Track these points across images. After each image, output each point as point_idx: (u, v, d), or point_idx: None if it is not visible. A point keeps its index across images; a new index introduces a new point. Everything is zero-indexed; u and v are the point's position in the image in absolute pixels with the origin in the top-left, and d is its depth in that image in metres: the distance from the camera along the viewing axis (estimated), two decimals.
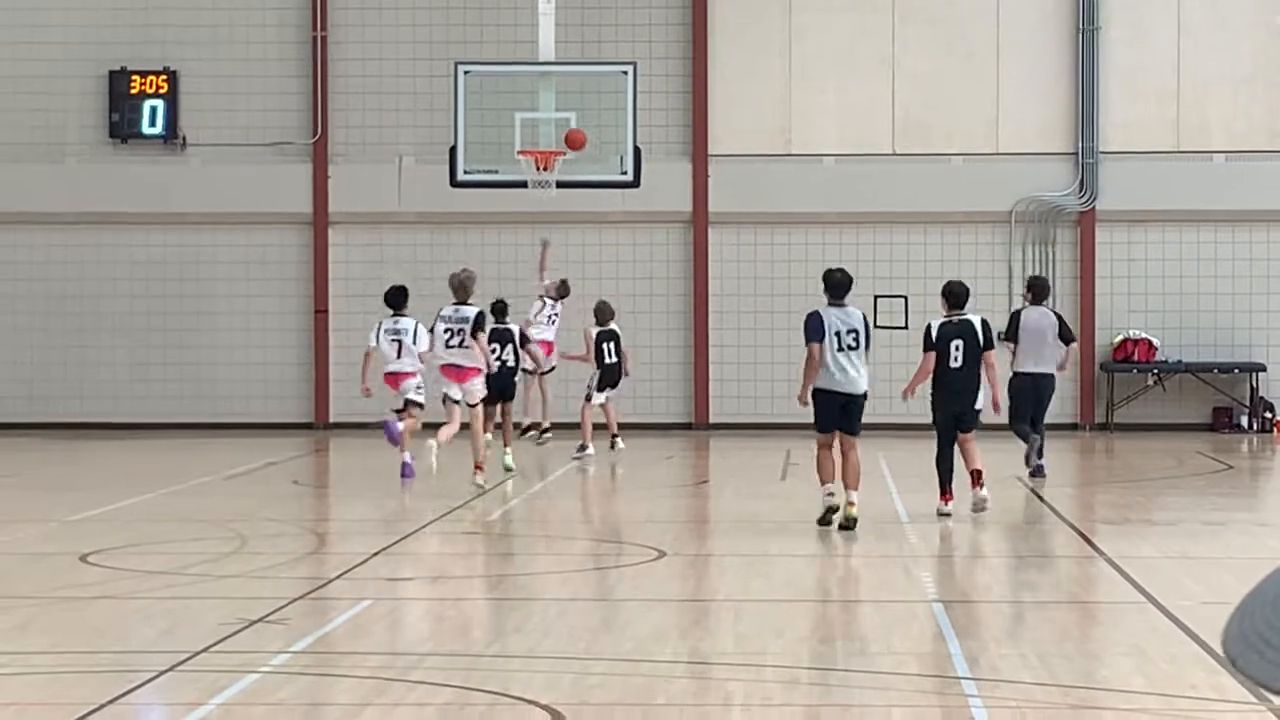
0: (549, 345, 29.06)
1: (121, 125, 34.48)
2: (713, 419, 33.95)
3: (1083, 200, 34.06)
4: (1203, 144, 33.88)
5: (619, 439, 27.87)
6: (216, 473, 26.54)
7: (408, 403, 24.81)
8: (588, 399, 27.66)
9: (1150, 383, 34.20)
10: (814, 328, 19.47)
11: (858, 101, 33.92)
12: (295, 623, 14.61)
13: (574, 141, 27.02)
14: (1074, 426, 34.03)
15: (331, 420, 34.31)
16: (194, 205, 34.20)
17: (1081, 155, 34.01)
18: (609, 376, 27.67)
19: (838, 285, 19.83)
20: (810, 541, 19.45)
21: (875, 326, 32.64)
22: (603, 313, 28.27)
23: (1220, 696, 11.77)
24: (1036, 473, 25.04)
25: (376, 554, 18.28)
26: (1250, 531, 21.57)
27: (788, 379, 32.05)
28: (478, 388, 23.65)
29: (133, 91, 34.41)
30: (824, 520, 19.39)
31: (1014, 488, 24.74)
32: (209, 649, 13.27)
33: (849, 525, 19.25)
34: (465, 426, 23.74)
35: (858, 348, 19.54)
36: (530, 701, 11.64)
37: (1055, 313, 25.94)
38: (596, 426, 27.72)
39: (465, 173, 29.48)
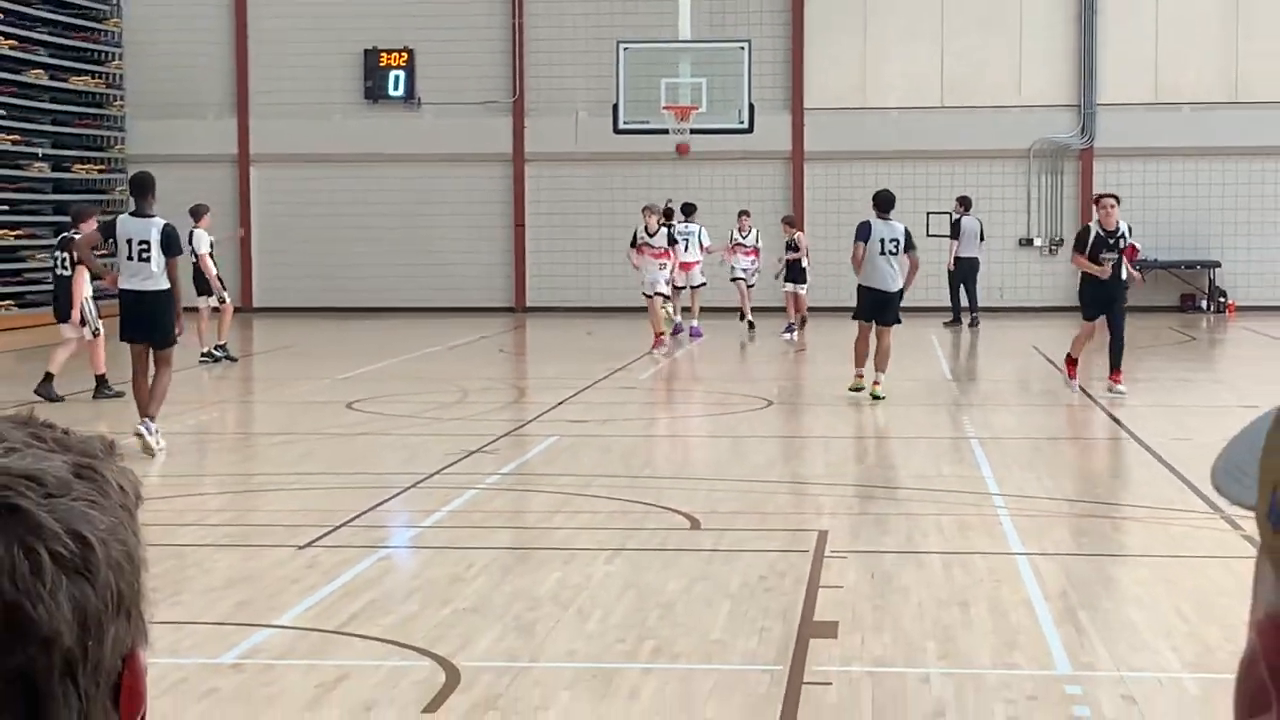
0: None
1: (373, 89, 34.68)
2: (810, 303, 33.98)
3: (1084, 141, 33.79)
4: (1174, 98, 33.48)
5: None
6: (443, 343, 26.79)
7: (680, 288, 27.34)
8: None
9: None
10: (862, 232, 18.32)
11: (916, 67, 33.67)
12: (503, 453, 14.78)
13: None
14: (1076, 309, 33.71)
15: (527, 305, 34.53)
16: (427, 149, 34.41)
17: (1083, 106, 33.73)
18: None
19: (884, 201, 18.50)
20: (889, 393, 19.40)
21: (928, 235, 32.75)
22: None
23: (1186, 508, 11.68)
24: (975, 324, 29.47)
25: (561, 403, 18.41)
26: (1208, 387, 21.35)
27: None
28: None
29: (381, 64, 34.59)
30: (854, 389, 18.39)
31: (1033, 356, 24.55)
32: (440, 471, 13.44)
33: (878, 398, 18.30)
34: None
35: (897, 253, 18.21)
36: (674, 510, 11.71)
37: (978, 219, 30.19)
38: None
39: (624, 123, 29.48)
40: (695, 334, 27.06)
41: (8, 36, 30.93)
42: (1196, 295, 33.77)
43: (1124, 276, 18.55)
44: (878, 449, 15.26)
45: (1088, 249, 18.53)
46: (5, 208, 29.70)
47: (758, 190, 33.97)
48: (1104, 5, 33.62)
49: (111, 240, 15.09)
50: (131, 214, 15.10)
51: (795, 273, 27.76)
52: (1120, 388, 18.57)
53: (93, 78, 34.26)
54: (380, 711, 6.99)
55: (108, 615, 1.19)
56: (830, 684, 7.39)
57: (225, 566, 10.05)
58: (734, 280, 28.39)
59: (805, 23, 33.98)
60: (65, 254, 19.17)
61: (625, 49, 29.81)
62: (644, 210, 25.88)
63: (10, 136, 30.94)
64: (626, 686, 7.38)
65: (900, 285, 18.38)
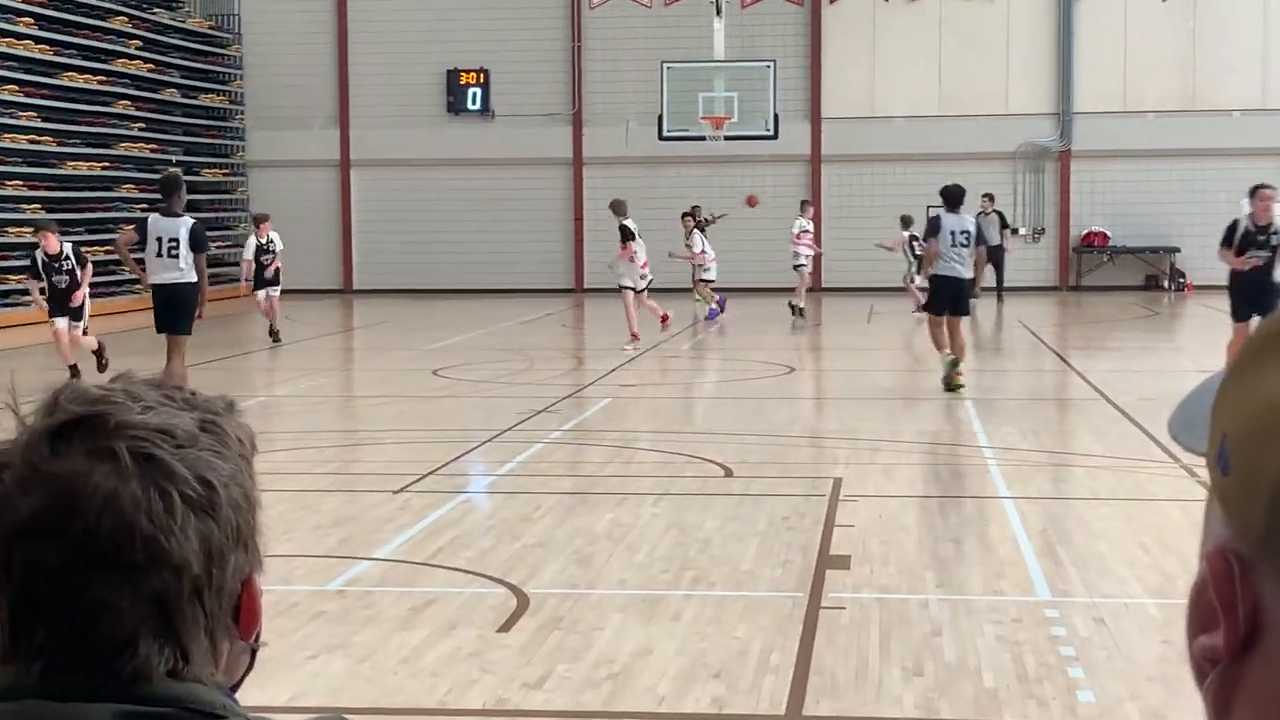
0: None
1: (454, 104, 34.66)
2: (825, 284, 33.81)
3: (1062, 144, 33.53)
4: (1139, 107, 33.21)
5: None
6: (514, 319, 26.83)
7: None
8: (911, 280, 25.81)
9: (1105, 259, 33.73)
10: (933, 227, 15.86)
11: (916, 81, 33.44)
12: (564, 412, 14.78)
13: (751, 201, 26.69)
14: (1056, 288, 33.60)
15: (585, 287, 34.51)
16: (499, 154, 34.40)
17: (1062, 114, 33.46)
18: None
19: (953, 196, 15.91)
20: (889, 360, 19.30)
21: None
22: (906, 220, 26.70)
23: (1148, 458, 11.61)
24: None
25: (614, 369, 18.42)
26: (1168, 354, 21.20)
27: (869, 257, 31.74)
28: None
29: (461, 82, 34.56)
30: (949, 382, 15.44)
31: (1018, 329, 24.41)
32: (512, 428, 13.46)
33: (960, 388, 15.63)
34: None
35: (968, 245, 15.60)
36: (709, 460, 11.70)
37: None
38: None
39: (668, 131, 29.41)
40: (711, 314, 25.86)
41: (146, 61, 31.10)
42: (1159, 276, 33.54)
43: (1276, 277, 14.61)
44: (885, 408, 15.19)
45: (1235, 243, 14.75)
46: (144, 206, 29.91)
47: (782, 189, 33.84)
48: (1079, 25, 33.36)
49: (143, 239, 14.08)
50: (162, 213, 14.15)
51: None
52: None
53: (218, 95, 34.41)
54: (462, 630, 7.02)
55: (229, 547, 1.20)
56: (844, 608, 7.38)
57: (330, 508, 10.10)
58: (797, 268, 26.07)
59: (822, 44, 33.81)
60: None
61: (668, 68, 29.73)
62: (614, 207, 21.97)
63: (149, 145, 31.13)
64: (670, 610, 7.39)
65: (970, 274, 15.77)
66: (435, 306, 30.59)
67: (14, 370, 11.97)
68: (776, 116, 29.29)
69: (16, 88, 26.52)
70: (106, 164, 29.13)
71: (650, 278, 21.87)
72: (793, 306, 25.61)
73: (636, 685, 6.19)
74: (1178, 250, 33.16)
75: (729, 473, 11.17)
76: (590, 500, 10.28)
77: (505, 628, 7.05)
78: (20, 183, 26.62)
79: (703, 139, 29.15)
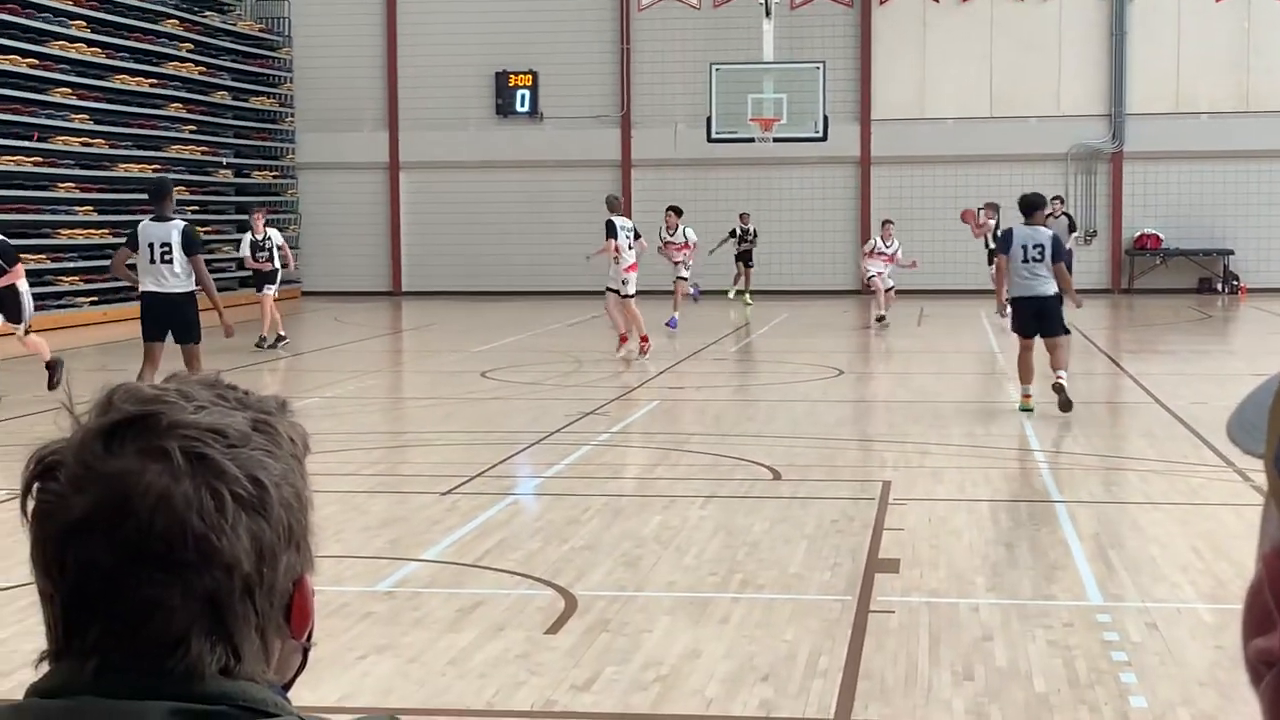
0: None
1: (503, 106, 34.77)
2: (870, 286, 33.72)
3: (1114, 146, 33.29)
4: (1193, 107, 32.94)
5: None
6: (562, 321, 26.87)
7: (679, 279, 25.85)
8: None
9: (1158, 262, 33.46)
10: (1004, 243, 14.83)
11: (968, 82, 33.30)
12: (613, 414, 14.79)
13: (967, 217, 26.29)
14: (1109, 291, 33.36)
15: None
16: (547, 156, 34.47)
17: (1114, 116, 33.24)
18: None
19: (1027, 206, 14.72)
20: (943, 363, 19.19)
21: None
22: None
23: (1201, 462, 11.52)
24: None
25: (662, 372, 18.41)
26: (1221, 357, 21.01)
27: (921, 260, 31.59)
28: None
29: (510, 85, 34.66)
30: (1023, 409, 14.59)
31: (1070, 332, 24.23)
32: (560, 430, 13.48)
33: (1064, 403, 14.25)
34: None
35: (1042, 259, 14.36)
36: (757, 463, 11.68)
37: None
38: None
39: (716, 133, 29.39)
40: (672, 325, 24.89)
41: (197, 64, 31.35)
42: (1212, 279, 33.26)
43: None
44: (934, 411, 15.11)
45: None
46: (196, 208, 30.14)
47: (831, 190, 33.78)
48: (1132, 26, 33.13)
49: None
50: (151, 219, 13.77)
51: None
52: None
53: (268, 98, 34.64)
54: (510, 632, 7.04)
55: (280, 546, 1.21)
56: (893, 612, 7.35)
57: (380, 509, 10.14)
58: (870, 279, 25.47)
59: (872, 45, 33.71)
60: None
61: (717, 69, 29.72)
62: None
63: (200, 148, 31.37)
64: (718, 612, 7.38)
65: (1052, 290, 14.47)
66: (483, 308, 30.65)
67: (68, 370, 12.00)
68: (826, 118, 29.24)
69: (69, 90, 26.79)
70: (158, 166, 29.36)
71: (630, 282, 20.74)
72: (879, 316, 24.90)
73: (684, 688, 6.19)
74: (1231, 253, 32.89)
75: (777, 475, 11.15)
76: (638, 502, 10.28)
77: (553, 629, 7.06)
78: (72, 185, 26.88)
79: (751, 141, 29.14)
